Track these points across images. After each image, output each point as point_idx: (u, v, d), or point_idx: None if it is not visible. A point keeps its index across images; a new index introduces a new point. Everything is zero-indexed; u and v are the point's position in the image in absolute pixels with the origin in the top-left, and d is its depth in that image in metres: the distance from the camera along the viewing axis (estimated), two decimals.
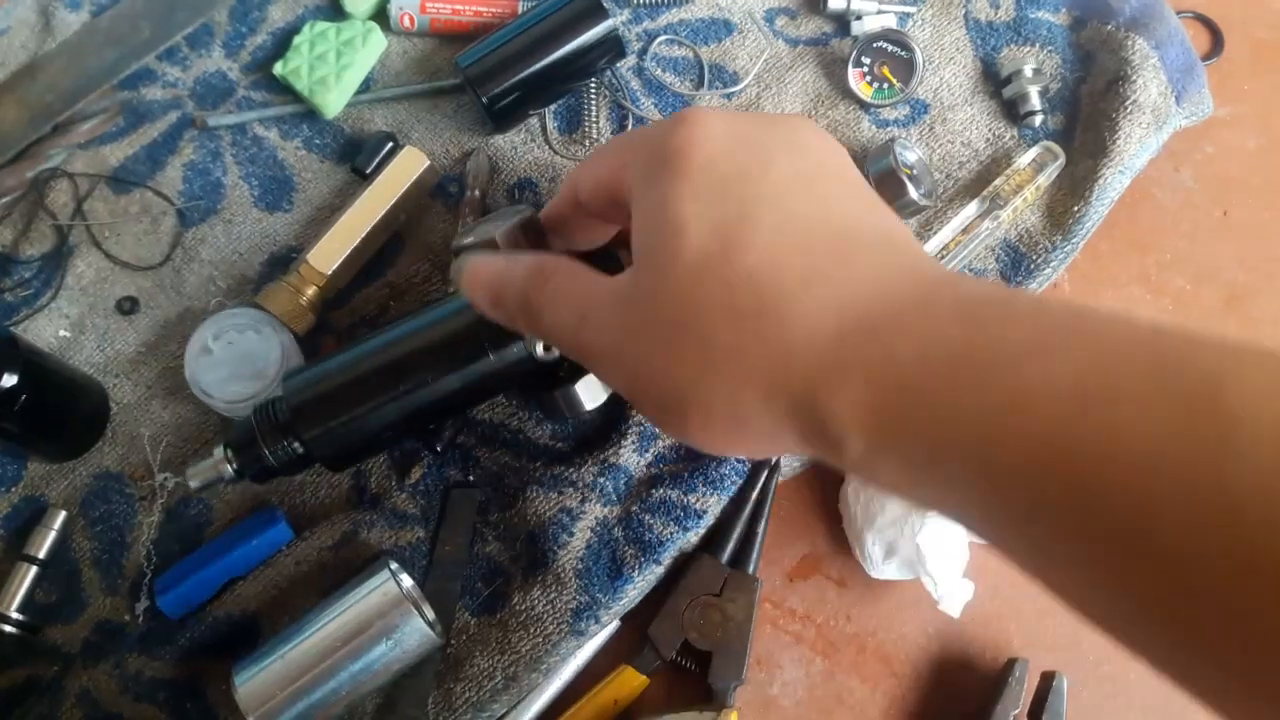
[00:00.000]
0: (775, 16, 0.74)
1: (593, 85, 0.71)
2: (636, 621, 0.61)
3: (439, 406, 0.58)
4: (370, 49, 0.71)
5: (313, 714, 0.56)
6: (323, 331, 0.67)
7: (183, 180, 0.70)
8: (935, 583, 0.60)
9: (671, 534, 0.61)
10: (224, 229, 0.69)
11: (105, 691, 0.59)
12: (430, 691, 0.59)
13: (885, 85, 0.70)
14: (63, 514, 0.63)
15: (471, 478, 0.64)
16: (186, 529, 0.63)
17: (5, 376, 0.57)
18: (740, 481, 0.63)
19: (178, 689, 0.59)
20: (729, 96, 0.71)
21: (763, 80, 0.72)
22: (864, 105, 0.71)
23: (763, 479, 0.63)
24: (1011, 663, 0.61)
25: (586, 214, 0.45)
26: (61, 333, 0.67)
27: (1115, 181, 0.67)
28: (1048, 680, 0.61)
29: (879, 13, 0.72)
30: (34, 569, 0.62)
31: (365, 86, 0.72)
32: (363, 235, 0.66)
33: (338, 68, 0.70)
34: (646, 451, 0.64)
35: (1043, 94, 0.70)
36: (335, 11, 0.74)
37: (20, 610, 0.61)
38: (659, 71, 0.72)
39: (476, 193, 0.69)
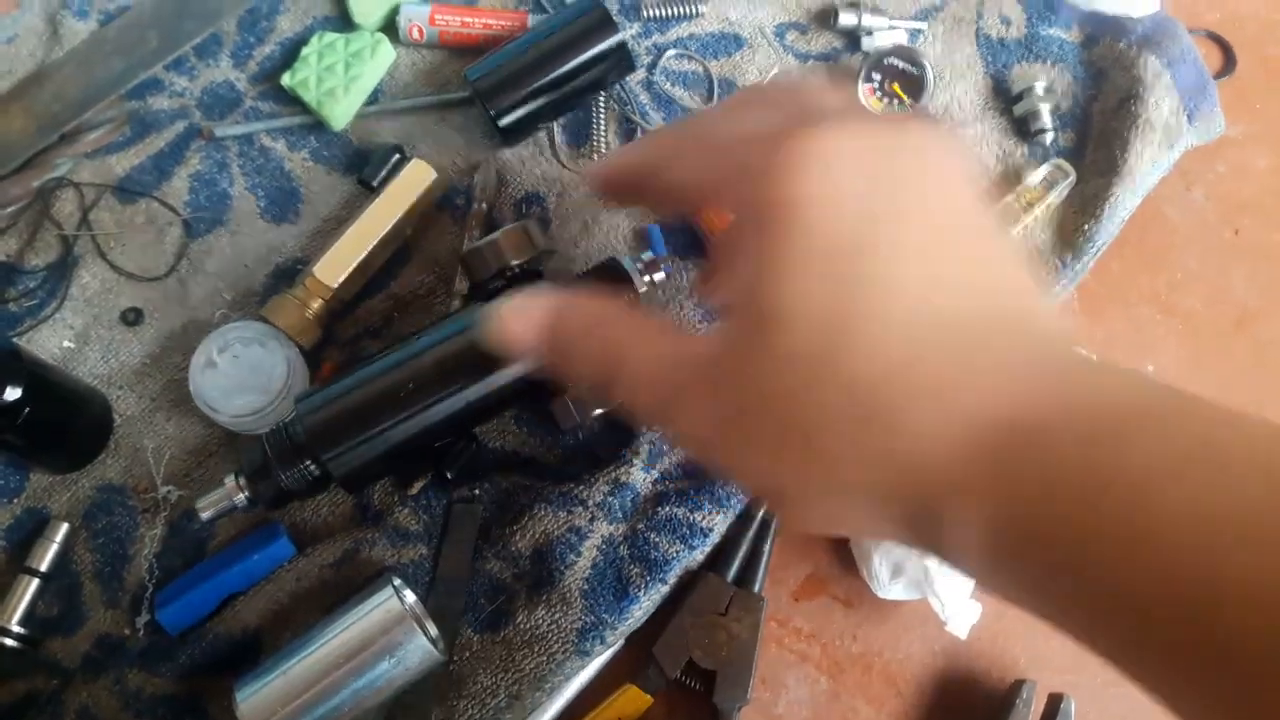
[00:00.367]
0: (786, 31, 0.73)
1: (601, 99, 0.71)
2: (641, 640, 0.61)
3: (457, 420, 0.58)
4: (379, 61, 0.71)
5: None
6: (327, 343, 0.66)
7: (189, 191, 0.70)
8: (943, 604, 0.59)
9: (677, 552, 0.60)
10: (230, 240, 0.69)
11: (105, 707, 0.58)
12: (433, 709, 0.59)
13: (896, 101, 0.70)
14: (65, 526, 0.63)
15: (477, 491, 0.63)
16: (188, 543, 0.63)
17: (9, 390, 0.56)
18: (746, 500, 0.63)
19: (178, 705, 0.59)
20: None
21: None
22: None
23: None
24: (1019, 684, 0.61)
25: (657, 194, 0.39)
26: (65, 343, 0.67)
27: (1126, 200, 0.67)
28: (1055, 702, 0.60)
29: (890, 29, 0.72)
30: (35, 582, 0.61)
31: (373, 98, 0.72)
32: (369, 248, 0.66)
33: (346, 79, 0.70)
34: (653, 468, 0.63)
35: (1054, 111, 0.70)
36: (344, 22, 0.74)
37: (21, 623, 0.61)
38: (668, 85, 0.72)
39: (483, 205, 0.68)
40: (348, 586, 0.61)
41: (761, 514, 0.62)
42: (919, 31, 0.73)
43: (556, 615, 0.59)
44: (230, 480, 0.58)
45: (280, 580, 0.61)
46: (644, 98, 0.72)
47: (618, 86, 0.71)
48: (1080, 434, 0.27)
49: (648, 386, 0.34)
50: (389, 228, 0.66)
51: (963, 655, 0.62)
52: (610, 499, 0.62)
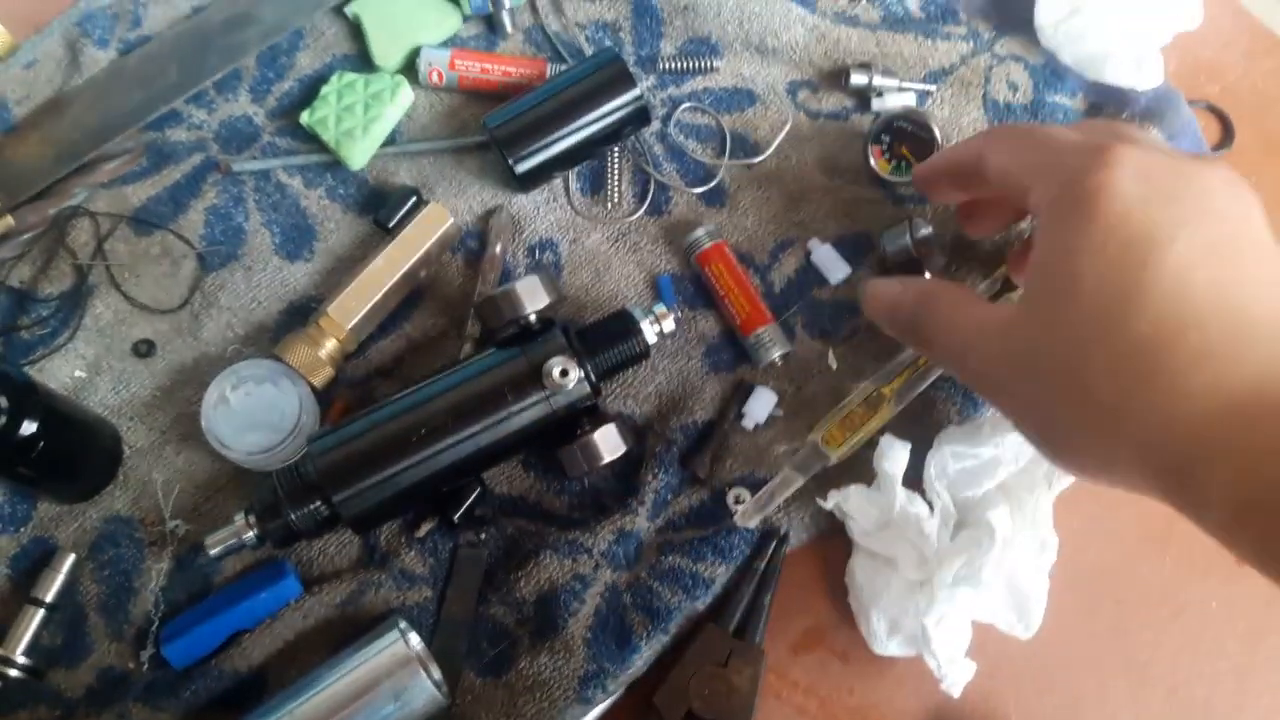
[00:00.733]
0: (797, 89, 0.75)
1: (616, 149, 0.72)
2: (642, 689, 0.62)
3: (466, 465, 0.60)
4: (398, 103, 0.72)
5: None
6: (338, 382, 0.67)
7: (204, 224, 0.70)
8: (938, 662, 0.60)
9: (679, 602, 0.61)
10: (244, 275, 0.69)
11: None
12: None
13: (903, 163, 0.71)
14: (71, 557, 0.63)
15: (484, 536, 0.64)
16: (195, 578, 0.64)
17: (25, 424, 0.57)
18: (748, 551, 0.64)
19: None
20: (749, 166, 0.72)
21: (783, 150, 0.73)
22: (881, 182, 0.72)
23: (771, 549, 0.64)
24: None
25: (970, 182, 0.49)
26: (77, 373, 0.67)
27: None
28: None
29: (900, 90, 0.74)
30: (40, 612, 0.62)
31: (391, 139, 0.73)
32: (384, 290, 0.66)
33: (365, 120, 0.70)
34: (659, 517, 0.64)
35: None
36: (363, 62, 0.74)
37: (25, 654, 0.61)
38: (682, 138, 0.73)
39: (498, 249, 0.69)
40: (353, 627, 0.61)
41: (764, 565, 0.64)
42: (927, 93, 0.74)
43: (559, 662, 0.60)
44: (239, 518, 0.59)
45: (286, 618, 0.61)
46: (658, 149, 0.73)
47: (633, 137, 0.72)
48: None
49: (953, 330, 0.43)
50: (404, 270, 0.67)
51: (956, 712, 0.63)
52: (615, 547, 0.63)
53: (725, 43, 0.75)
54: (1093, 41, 0.74)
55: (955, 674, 0.61)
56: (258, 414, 0.64)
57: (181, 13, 0.76)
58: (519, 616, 0.62)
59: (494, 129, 0.68)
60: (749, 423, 0.67)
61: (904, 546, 0.62)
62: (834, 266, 0.70)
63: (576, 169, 0.72)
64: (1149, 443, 0.34)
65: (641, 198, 0.72)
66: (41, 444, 0.58)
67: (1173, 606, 0.65)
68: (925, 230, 0.68)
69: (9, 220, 0.68)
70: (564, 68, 0.72)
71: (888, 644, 0.62)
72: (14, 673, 0.60)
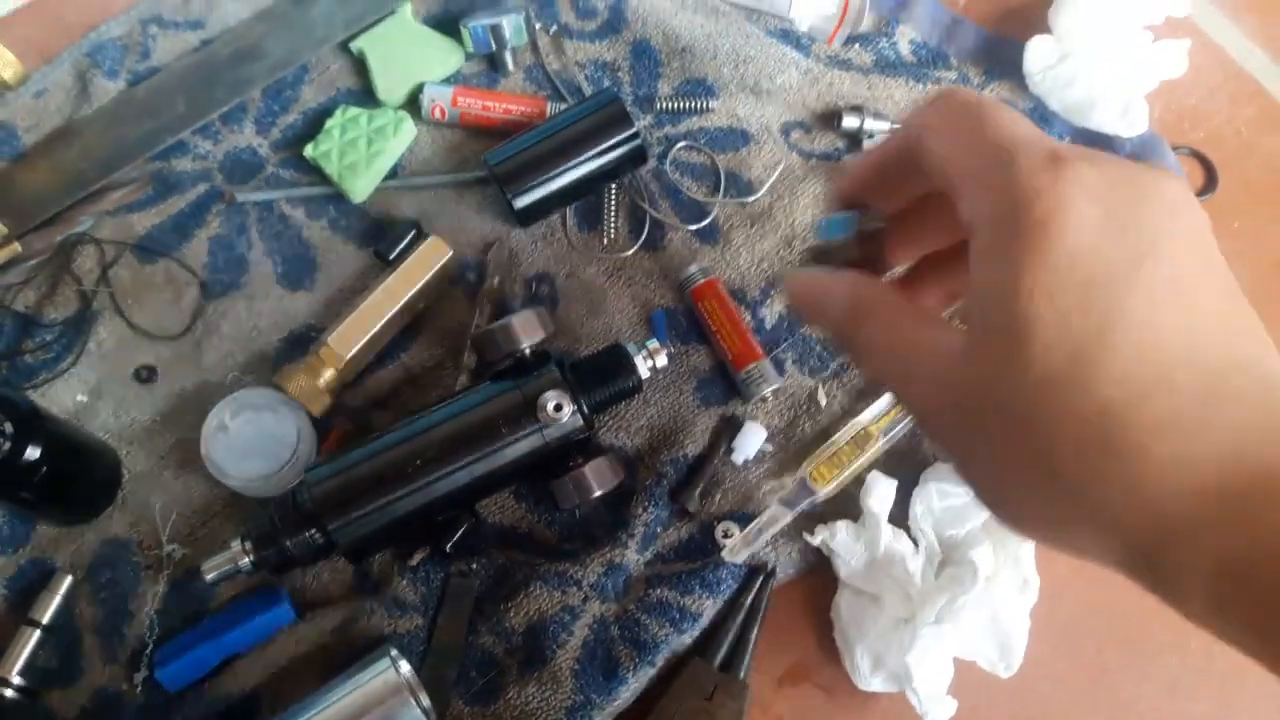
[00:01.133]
0: (791, 130, 0.76)
1: (614, 187, 0.73)
2: None
3: (460, 496, 0.61)
4: (401, 138, 0.73)
5: None
6: (336, 411, 0.68)
7: (208, 253, 0.72)
8: (921, 699, 0.61)
9: (666, 635, 0.62)
10: (246, 304, 0.71)
11: None
12: None
13: None
14: (69, 579, 0.64)
15: (475, 566, 0.65)
16: (190, 601, 0.64)
17: (29, 450, 0.58)
18: (736, 585, 0.65)
19: None
20: (743, 204, 0.74)
21: (776, 190, 0.75)
22: None
23: (758, 584, 0.65)
24: None
25: (905, 183, 0.39)
26: (79, 398, 0.68)
27: None
28: None
29: (890, 130, 0.75)
30: (37, 633, 0.63)
31: (393, 173, 0.74)
32: (383, 321, 0.68)
33: (368, 154, 0.72)
34: (648, 550, 0.65)
35: None
36: (367, 97, 0.76)
37: (21, 674, 0.62)
38: (677, 176, 0.75)
39: (495, 282, 0.71)
40: (345, 653, 0.62)
41: (750, 600, 0.65)
42: None
43: (546, 692, 0.61)
44: (236, 544, 0.60)
45: (280, 644, 0.62)
46: (654, 186, 0.74)
47: (630, 175, 0.74)
48: None
49: (887, 354, 0.37)
50: (403, 302, 0.68)
51: None
52: (604, 579, 0.64)
53: (721, 84, 0.77)
54: (1079, 88, 0.75)
55: (937, 711, 0.62)
56: (256, 441, 0.65)
57: (190, 46, 0.77)
58: (508, 646, 0.63)
59: (494, 165, 0.69)
60: (739, 457, 0.68)
61: (889, 584, 0.63)
62: None
63: (574, 205, 0.74)
64: (1111, 522, 0.30)
65: (637, 234, 0.73)
66: (44, 469, 0.59)
67: (1152, 647, 0.66)
68: (878, 224, 0.59)
69: (15, 246, 0.69)
70: (564, 107, 0.74)
71: (871, 680, 0.63)
72: (9, 693, 0.61)
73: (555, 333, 0.66)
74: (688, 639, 0.64)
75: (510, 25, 0.76)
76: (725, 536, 0.66)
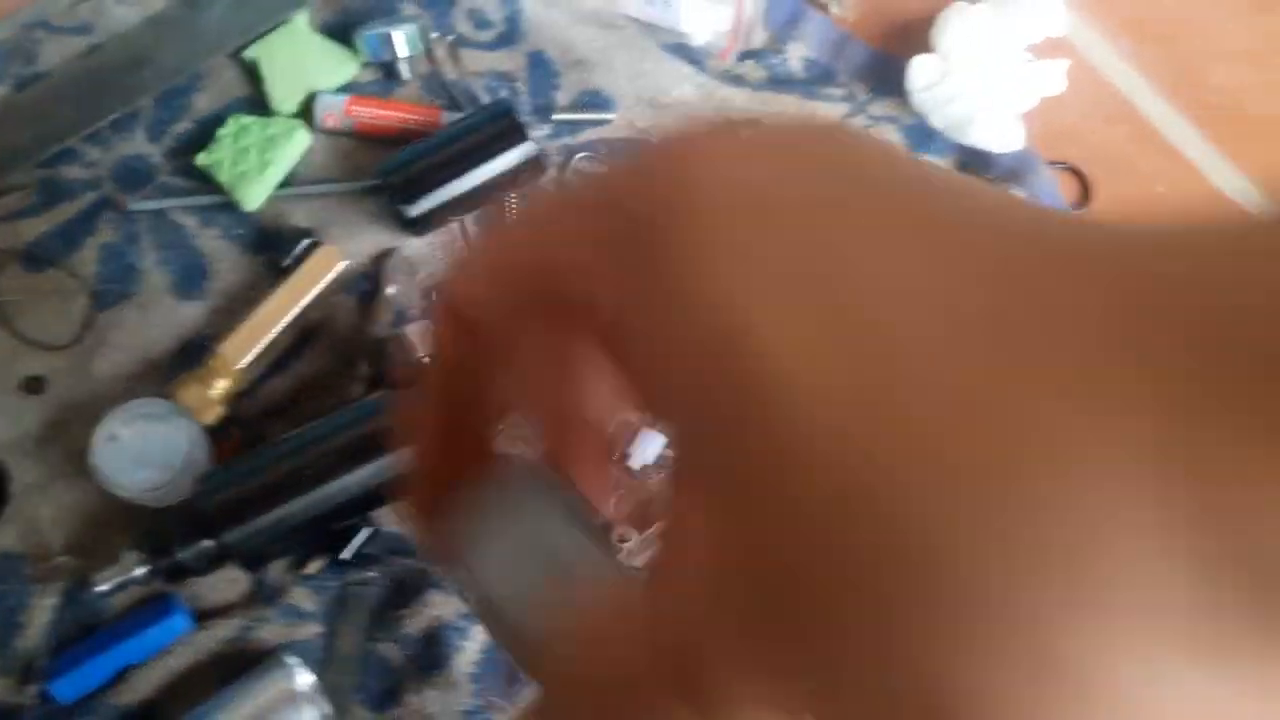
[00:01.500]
0: None
1: (513, 193, 0.74)
2: None
3: (354, 503, 0.62)
4: (294, 146, 0.73)
5: None
6: (230, 421, 0.68)
7: (98, 261, 0.71)
8: None
9: None
10: (137, 314, 0.70)
11: None
12: None
13: None
14: None
15: (372, 573, 0.66)
16: (84, 612, 0.64)
17: None
18: None
19: None
20: None
21: None
22: None
23: None
24: None
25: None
26: None
27: None
28: None
29: None
30: None
31: (287, 181, 0.74)
32: (275, 331, 0.68)
33: (260, 162, 0.72)
34: None
35: None
36: (261, 105, 0.76)
37: None
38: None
39: (390, 291, 0.72)
40: (243, 661, 0.63)
41: None
42: None
43: (446, 697, 0.63)
44: (127, 554, 0.60)
45: (176, 653, 0.63)
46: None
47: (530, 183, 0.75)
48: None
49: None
50: (296, 311, 0.69)
51: None
52: None
53: (618, 96, 0.78)
54: (959, 105, 0.79)
55: None
56: (149, 452, 0.65)
57: (78, 50, 0.76)
58: (407, 653, 0.64)
59: (386, 175, 0.70)
60: (636, 463, 0.70)
61: None
62: None
63: (475, 212, 0.75)
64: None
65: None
66: None
67: None
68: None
69: None
70: (459, 116, 0.74)
71: None
72: None
73: None
74: None
75: (405, 34, 0.76)
76: (622, 541, 0.68)
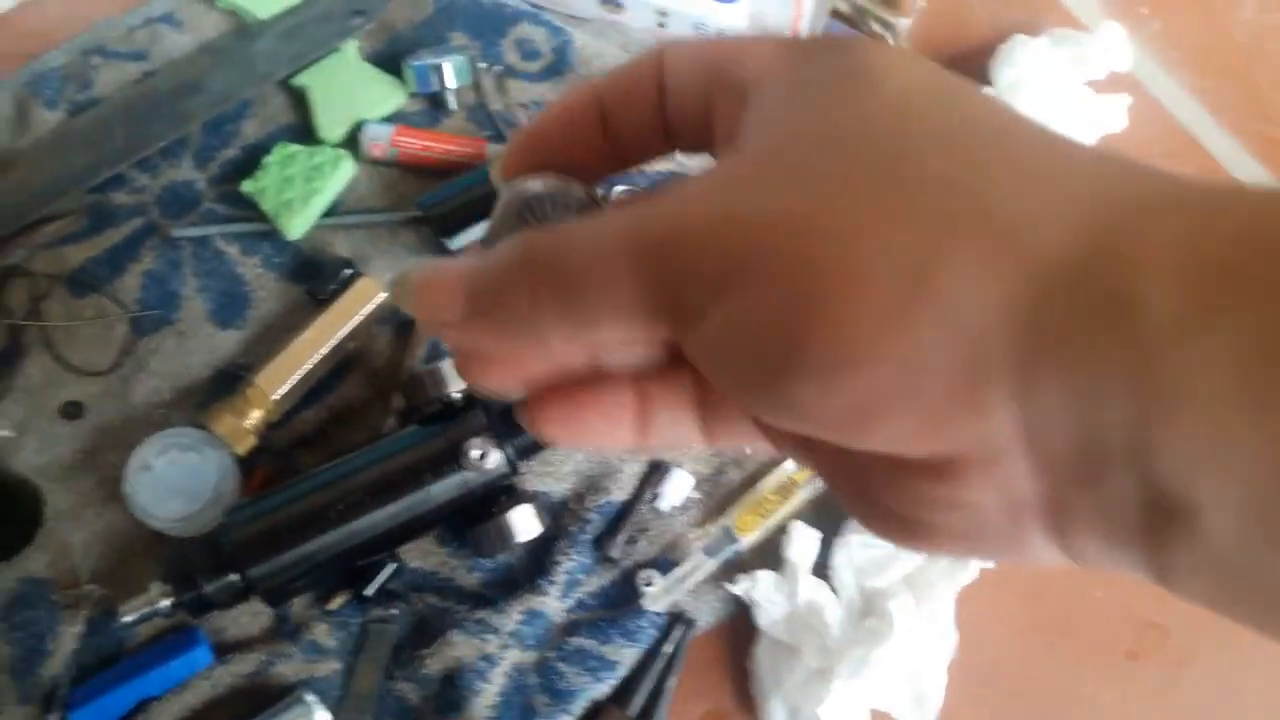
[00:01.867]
0: None
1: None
2: None
3: (380, 541, 0.61)
4: (339, 176, 0.73)
5: None
6: (261, 451, 0.68)
7: (140, 288, 0.72)
8: None
9: (584, 684, 0.63)
10: (176, 340, 0.70)
11: None
12: None
13: None
14: None
15: (395, 611, 0.65)
16: (107, 642, 0.64)
17: None
18: (656, 634, 0.65)
19: None
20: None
21: None
22: None
23: (679, 634, 0.65)
24: None
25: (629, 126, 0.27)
26: (3, 433, 0.68)
27: None
28: None
29: None
30: None
31: (330, 210, 0.74)
32: (312, 362, 0.68)
33: (305, 191, 0.72)
34: (569, 597, 0.65)
35: None
36: (307, 133, 0.76)
37: None
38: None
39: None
40: (261, 697, 0.62)
41: (671, 649, 0.65)
42: None
43: None
44: (155, 585, 0.60)
45: (195, 687, 0.62)
46: None
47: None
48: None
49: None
50: (333, 342, 0.68)
51: None
52: (523, 627, 0.64)
53: None
54: None
55: None
56: (180, 481, 0.65)
57: (132, 77, 0.77)
58: (425, 694, 0.63)
59: (427, 208, 0.70)
60: (664, 504, 0.68)
61: (807, 635, 0.63)
62: None
63: None
64: (1029, 225, 0.19)
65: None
66: None
67: (1067, 698, 0.67)
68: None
69: None
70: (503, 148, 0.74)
71: None
72: None
73: None
74: (606, 687, 0.64)
75: (453, 65, 0.76)
76: (647, 585, 0.66)
